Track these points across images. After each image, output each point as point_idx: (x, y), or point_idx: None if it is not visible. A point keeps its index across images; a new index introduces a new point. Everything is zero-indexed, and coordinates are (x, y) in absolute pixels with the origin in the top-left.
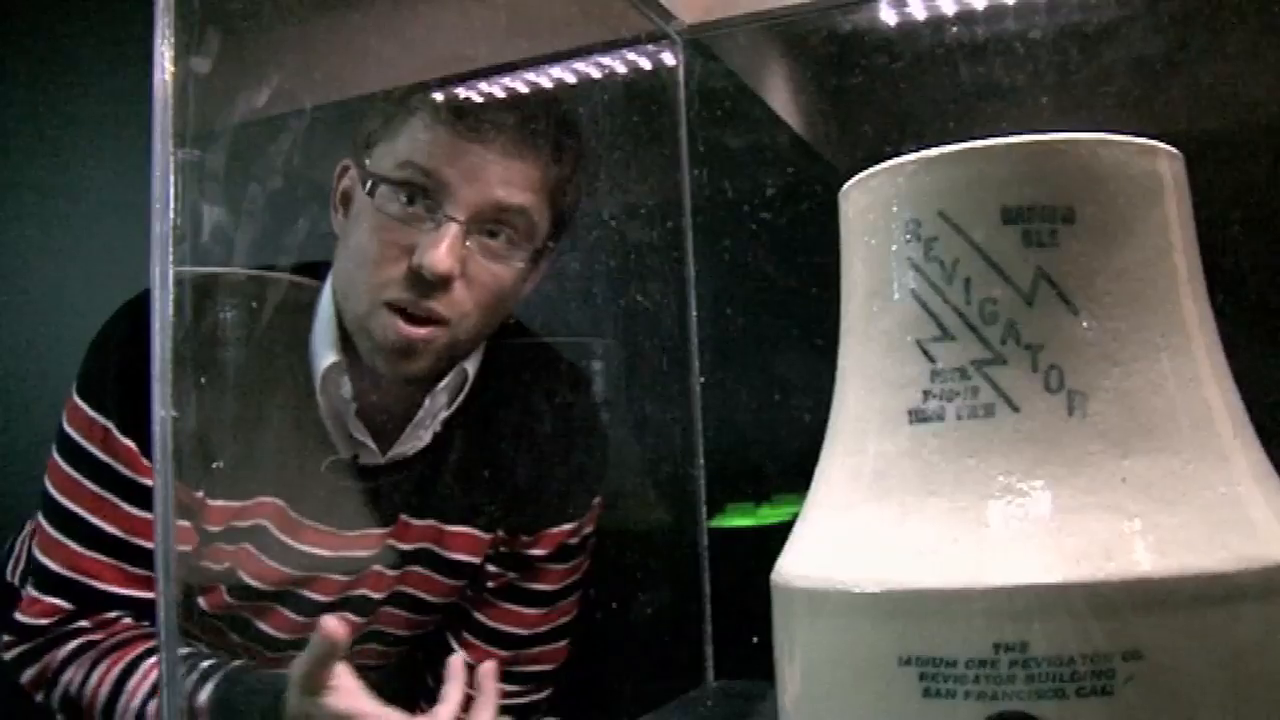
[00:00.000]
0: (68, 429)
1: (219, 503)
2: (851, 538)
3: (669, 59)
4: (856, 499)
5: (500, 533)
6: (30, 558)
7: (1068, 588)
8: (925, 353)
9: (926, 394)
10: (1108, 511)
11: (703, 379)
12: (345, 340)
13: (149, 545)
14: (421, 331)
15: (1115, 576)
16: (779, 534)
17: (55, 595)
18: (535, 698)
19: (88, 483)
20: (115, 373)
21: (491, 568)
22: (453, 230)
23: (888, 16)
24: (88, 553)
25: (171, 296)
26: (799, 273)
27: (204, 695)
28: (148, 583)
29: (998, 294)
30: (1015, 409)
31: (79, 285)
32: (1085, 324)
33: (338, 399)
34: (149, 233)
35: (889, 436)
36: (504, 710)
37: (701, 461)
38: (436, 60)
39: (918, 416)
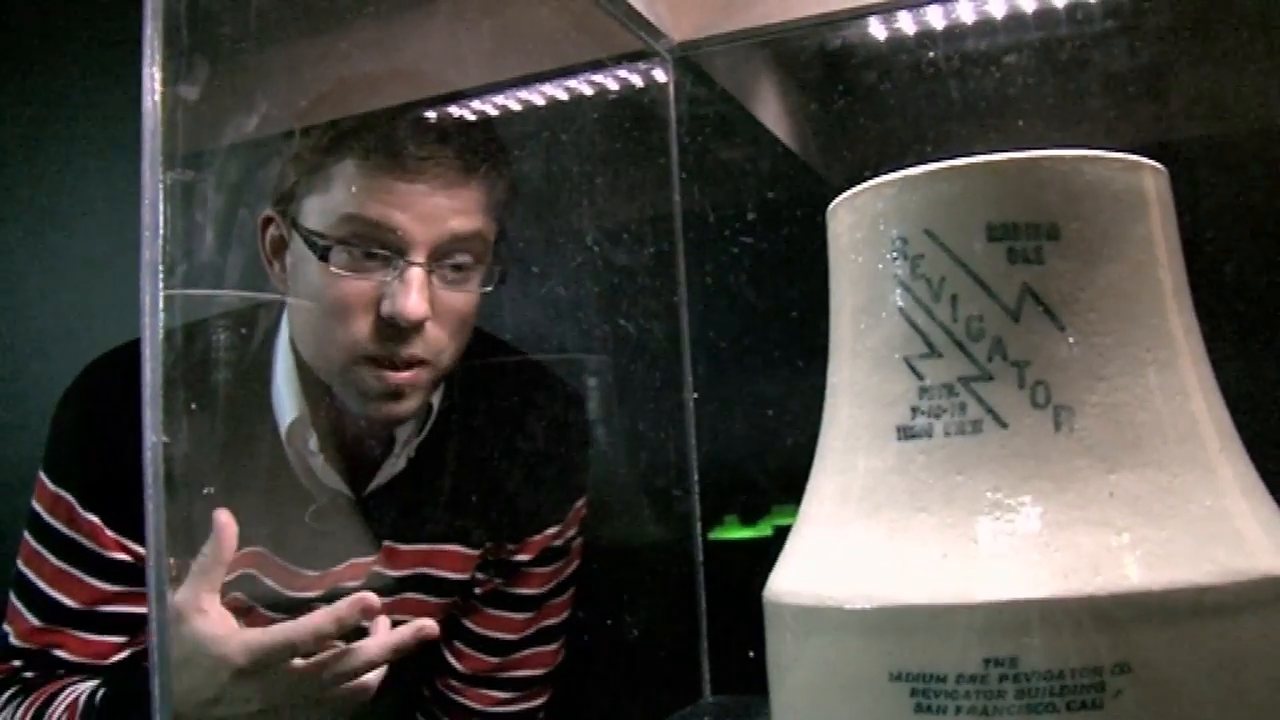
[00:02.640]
0: (34, 504)
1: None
2: (842, 554)
3: (659, 77)
4: (846, 516)
5: (489, 544)
6: None
7: (1057, 602)
8: (913, 370)
9: (915, 411)
10: (1096, 526)
11: (695, 395)
12: (308, 391)
13: (114, 610)
14: (406, 375)
15: (1104, 590)
16: (774, 549)
17: (9, 659)
18: (530, 705)
19: (50, 556)
20: (75, 447)
21: (479, 575)
22: (417, 276)
23: (877, 32)
24: (45, 625)
25: (161, 322)
26: (790, 289)
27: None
28: (107, 649)
29: (984, 311)
30: (1003, 425)
31: (74, 306)
32: (1071, 340)
33: (305, 453)
34: (139, 257)
35: (878, 453)
36: (501, 717)
37: (696, 477)
38: (425, 81)
39: (906, 433)
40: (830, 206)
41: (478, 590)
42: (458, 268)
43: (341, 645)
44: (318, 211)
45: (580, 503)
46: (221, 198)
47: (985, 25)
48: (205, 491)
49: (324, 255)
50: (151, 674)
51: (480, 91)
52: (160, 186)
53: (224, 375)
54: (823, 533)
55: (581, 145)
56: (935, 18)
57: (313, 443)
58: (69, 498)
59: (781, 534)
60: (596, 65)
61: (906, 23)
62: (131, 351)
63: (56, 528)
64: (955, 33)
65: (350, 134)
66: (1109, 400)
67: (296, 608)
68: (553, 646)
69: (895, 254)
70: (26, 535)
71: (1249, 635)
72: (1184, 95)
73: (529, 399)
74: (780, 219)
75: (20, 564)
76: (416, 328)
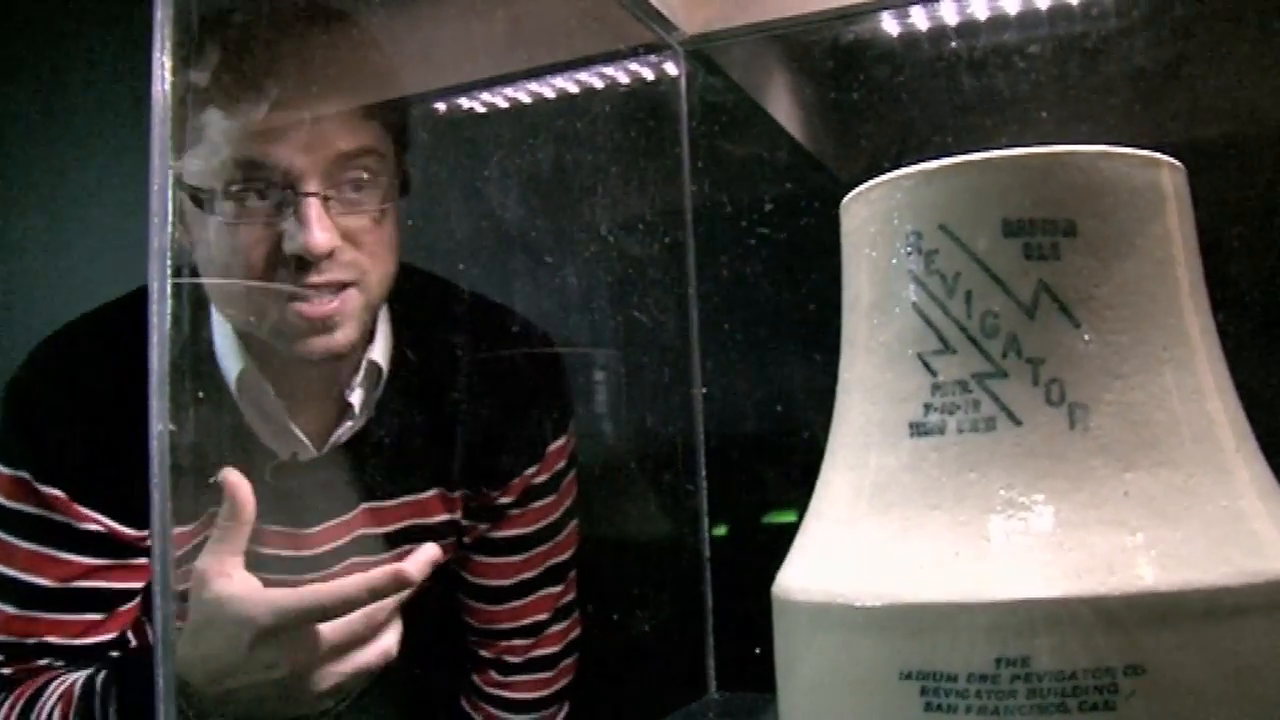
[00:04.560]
0: None
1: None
2: (852, 551)
3: (671, 69)
4: (857, 512)
5: (468, 491)
6: None
7: (1070, 602)
8: (926, 366)
9: (928, 407)
10: (1110, 526)
11: (704, 389)
12: (249, 346)
13: (90, 586)
14: (332, 304)
15: (1118, 591)
16: (782, 545)
17: None
18: (546, 651)
19: (19, 541)
20: (22, 427)
21: (466, 522)
22: (314, 206)
23: (890, 27)
24: (21, 613)
25: (169, 309)
26: (801, 284)
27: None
28: (85, 627)
29: (999, 307)
30: (1017, 422)
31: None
32: (1087, 337)
33: (265, 400)
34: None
35: (890, 450)
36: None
37: (704, 473)
38: (436, 71)
39: (919, 430)
40: (844, 201)
41: (466, 539)
42: (357, 187)
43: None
44: (196, 166)
45: (561, 440)
46: None
47: (999, 20)
48: (211, 481)
49: (210, 208)
50: (156, 663)
51: (491, 83)
52: (169, 174)
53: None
54: (833, 529)
55: (593, 138)
56: (949, 12)
57: (269, 391)
58: (25, 475)
59: (790, 530)
60: (608, 58)
61: (920, 17)
62: (72, 331)
63: (19, 509)
64: (969, 27)
65: (209, 79)
66: (1124, 399)
67: (271, 568)
68: (559, 587)
69: (909, 249)
70: None
71: (1264, 637)
72: (1202, 92)
73: (488, 341)
74: (792, 213)
75: None
76: (329, 257)
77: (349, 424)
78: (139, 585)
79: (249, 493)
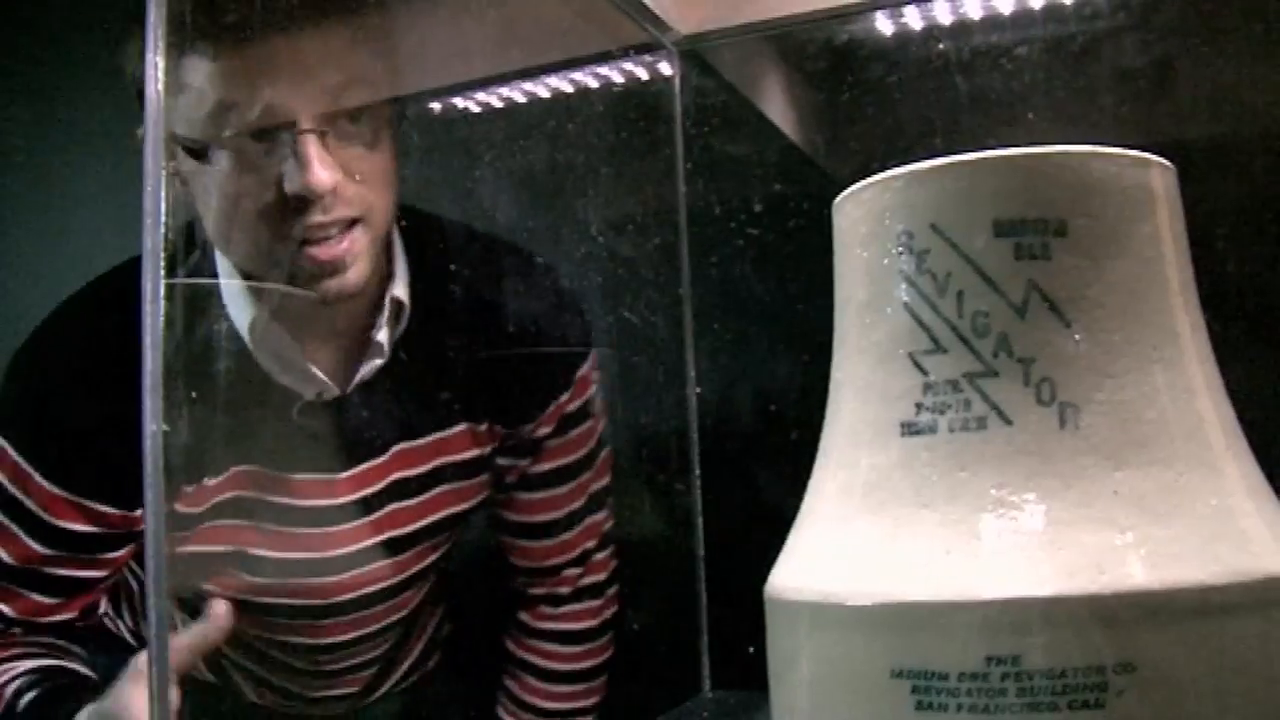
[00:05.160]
0: None
1: (190, 488)
2: (844, 550)
3: (665, 69)
4: (849, 511)
5: (498, 427)
6: None
7: (1060, 600)
8: (917, 365)
9: (919, 406)
10: (1100, 524)
11: (698, 389)
12: (258, 293)
13: (52, 573)
14: (341, 245)
15: (1108, 589)
16: (775, 544)
17: None
18: (595, 578)
19: None
20: (13, 398)
21: (503, 461)
22: (312, 144)
23: (884, 27)
24: None
25: (163, 309)
26: (795, 283)
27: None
28: (41, 608)
29: (990, 307)
30: (1007, 422)
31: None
32: (1077, 336)
33: (281, 343)
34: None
35: (881, 449)
36: (580, 608)
37: (697, 472)
38: (430, 71)
39: (910, 429)
40: (836, 201)
41: (509, 479)
42: (353, 119)
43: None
44: (186, 117)
45: (586, 366)
46: None
47: (993, 20)
48: (206, 482)
49: (207, 159)
50: (150, 666)
51: (485, 83)
52: (162, 174)
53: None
54: (825, 528)
55: (586, 138)
56: (942, 12)
57: (285, 336)
58: (4, 444)
59: (783, 529)
60: (602, 57)
61: (913, 17)
62: (66, 308)
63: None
64: (962, 28)
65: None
66: (1115, 398)
67: (308, 519)
68: (603, 514)
69: (901, 249)
70: None
71: (1254, 635)
72: (1193, 92)
73: (505, 273)
74: (785, 213)
75: None
76: (332, 195)
77: (376, 362)
78: (102, 575)
79: (227, 619)
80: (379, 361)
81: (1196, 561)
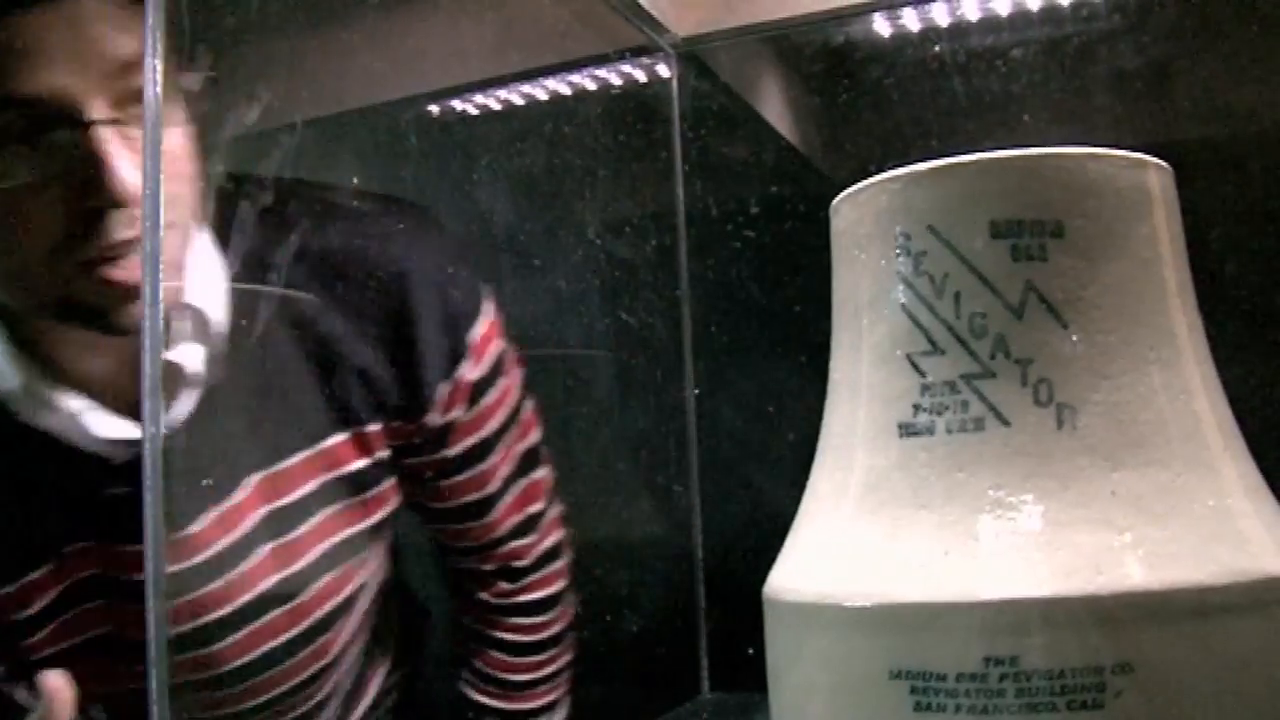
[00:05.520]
0: None
1: (12, 588)
2: (842, 551)
3: (663, 72)
4: (847, 513)
5: (394, 423)
6: None
7: (1058, 601)
8: (915, 366)
9: (916, 408)
10: (1098, 525)
11: (696, 391)
12: (29, 344)
13: None
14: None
15: (1106, 590)
16: (774, 546)
17: None
18: (552, 542)
19: None
20: None
21: (412, 460)
22: (108, 137)
23: (882, 29)
24: None
25: (161, 314)
26: (792, 285)
27: None
28: None
29: (987, 308)
30: (1005, 423)
31: None
32: (1074, 337)
33: (65, 404)
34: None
35: (879, 450)
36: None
37: (696, 474)
38: (428, 74)
39: (908, 430)
40: (833, 203)
41: (428, 474)
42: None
43: None
44: None
45: (484, 322)
46: None
47: (990, 22)
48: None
49: None
50: (149, 663)
51: (483, 86)
52: (159, 179)
53: None
54: (823, 530)
55: (585, 140)
56: (940, 14)
57: (67, 392)
58: None
59: (781, 530)
60: (600, 60)
61: (911, 19)
62: None
63: None
64: (960, 29)
65: None
66: (1112, 399)
67: (172, 589)
68: (541, 471)
69: (898, 250)
70: None
71: (1251, 636)
72: (1190, 94)
73: (359, 239)
74: (783, 215)
75: None
76: (135, 200)
77: (186, 392)
78: None
79: (66, 690)
80: (190, 391)
81: (1194, 562)
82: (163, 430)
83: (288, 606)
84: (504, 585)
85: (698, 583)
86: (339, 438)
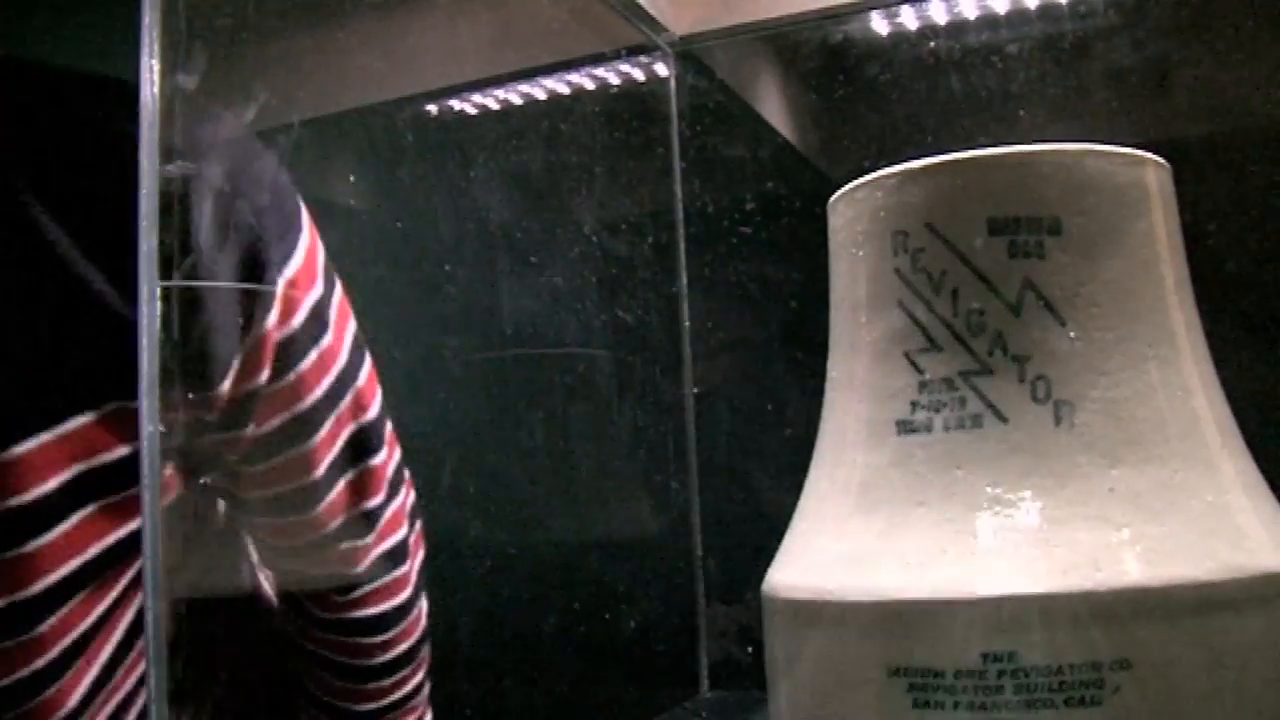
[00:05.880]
0: None
1: None
2: (840, 549)
3: (660, 70)
4: (845, 510)
5: (185, 394)
6: None
7: (1056, 598)
8: (913, 364)
9: (914, 405)
10: (1096, 522)
11: (695, 389)
12: None
13: None
14: None
15: (1104, 586)
16: (772, 544)
17: None
18: (395, 540)
19: None
20: None
21: (204, 440)
22: None
23: (880, 27)
24: None
25: (159, 313)
26: (790, 283)
27: None
28: None
29: (985, 305)
30: (1003, 420)
31: None
32: (1072, 334)
33: None
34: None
35: (877, 448)
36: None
37: (694, 471)
38: (425, 74)
39: (905, 427)
40: (830, 200)
41: (231, 457)
42: None
43: None
44: None
45: (294, 263)
46: None
47: (987, 19)
48: (202, 481)
49: None
50: (149, 667)
51: (480, 85)
52: (158, 178)
53: None
54: (821, 528)
55: (582, 139)
56: (938, 12)
57: None
58: None
59: (780, 528)
60: (597, 59)
61: (909, 17)
62: None
63: None
64: (957, 27)
65: None
66: (1110, 395)
67: None
68: (381, 455)
69: (895, 247)
70: None
71: (1250, 632)
72: (1187, 90)
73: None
74: (781, 212)
75: None
76: None
77: None
78: None
79: None
80: None
81: (1192, 558)
82: (159, 429)
83: (14, 642)
84: (335, 597)
85: (696, 581)
86: (85, 418)
